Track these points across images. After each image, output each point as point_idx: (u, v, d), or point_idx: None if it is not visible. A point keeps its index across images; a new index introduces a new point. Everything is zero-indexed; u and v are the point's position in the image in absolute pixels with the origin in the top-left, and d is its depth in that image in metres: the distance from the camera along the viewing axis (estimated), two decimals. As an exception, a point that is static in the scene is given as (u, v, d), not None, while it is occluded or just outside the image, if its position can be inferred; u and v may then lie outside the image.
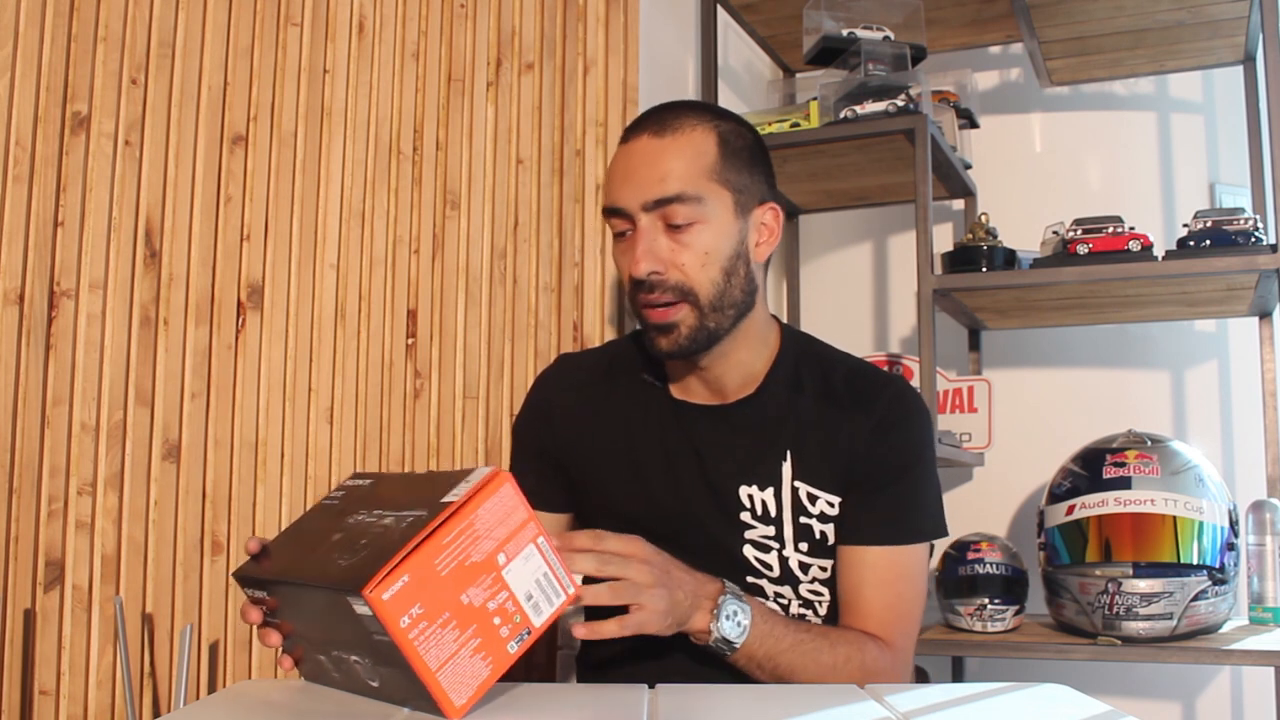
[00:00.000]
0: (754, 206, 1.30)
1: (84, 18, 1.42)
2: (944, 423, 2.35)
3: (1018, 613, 2.01)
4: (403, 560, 0.85)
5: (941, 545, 2.13)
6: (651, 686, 1.08)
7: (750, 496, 1.30)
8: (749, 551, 1.30)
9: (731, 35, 2.51)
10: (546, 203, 1.89)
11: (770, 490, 1.30)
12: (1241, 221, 1.96)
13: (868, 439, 1.30)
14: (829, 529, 1.30)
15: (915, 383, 2.00)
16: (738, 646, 1.14)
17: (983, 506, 2.54)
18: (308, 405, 1.64)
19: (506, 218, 1.86)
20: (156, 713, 1.44)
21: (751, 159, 1.30)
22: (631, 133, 1.28)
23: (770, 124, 2.16)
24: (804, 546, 1.30)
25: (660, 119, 1.27)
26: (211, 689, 1.51)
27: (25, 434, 1.34)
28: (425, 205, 1.79)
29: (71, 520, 1.38)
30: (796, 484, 1.30)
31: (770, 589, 1.30)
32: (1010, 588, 2.01)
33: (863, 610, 1.28)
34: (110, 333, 1.43)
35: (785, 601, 1.31)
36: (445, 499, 0.90)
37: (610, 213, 1.28)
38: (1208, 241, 1.96)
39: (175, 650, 1.46)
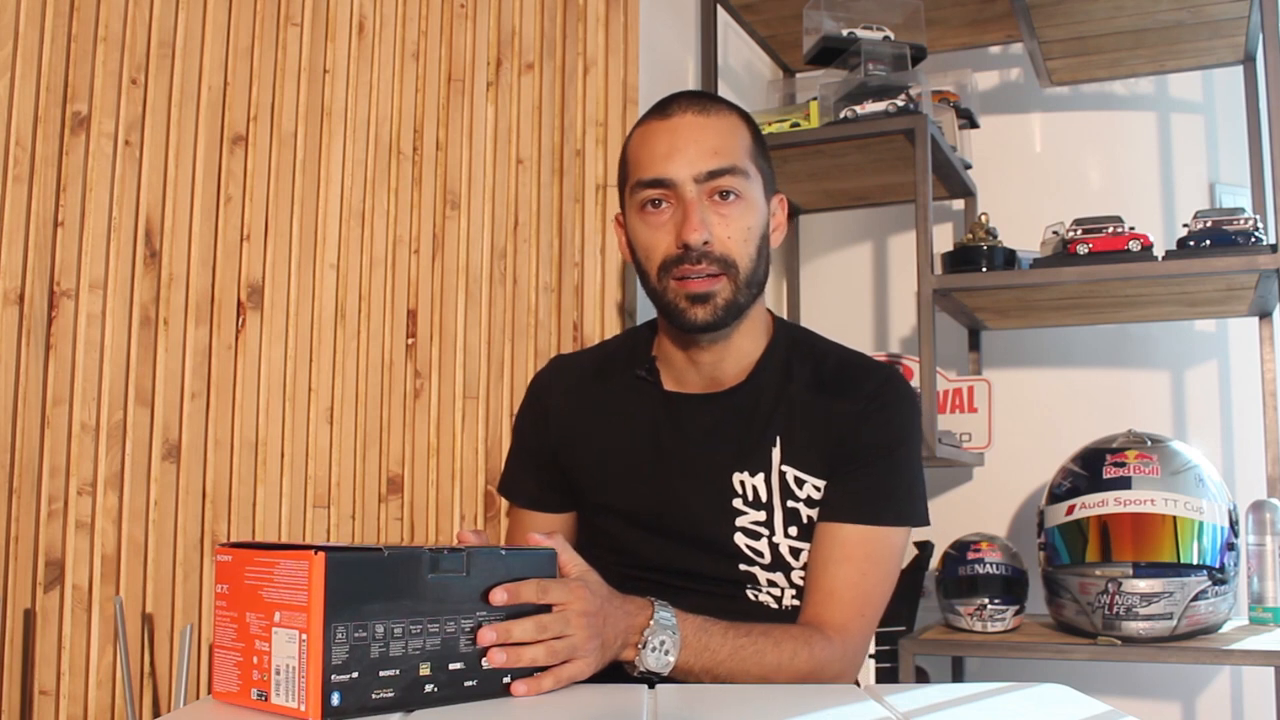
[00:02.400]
0: (771, 194, 1.35)
1: (84, 18, 1.42)
2: (944, 423, 2.35)
3: (1018, 613, 2.01)
4: (240, 548, 0.95)
5: (941, 545, 2.13)
6: (651, 686, 1.08)
7: (742, 483, 1.31)
8: (740, 539, 1.30)
9: (731, 35, 2.51)
10: (546, 203, 1.89)
11: (761, 476, 1.31)
12: (1241, 221, 1.96)
13: (853, 422, 1.31)
14: (816, 514, 1.30)
15: (915, 383, 2.00)
16: (664, 675, 1.14)
17: (983, 506, 2.54)
18: (308, 405, 1.64)
19: (506, 218, 1.86)
20: (156, 713, 1.44)
21: (767, 150, 1.36)
22: (670, 110, 1.30)
23: (770, 124, 2.15)
24: (793, 531, 1.30)
25: (698, 99, 1.31)
26: (211, 689, 1.51)
27: (25, 434, 1.34)
28: (425, 205, 1.79)
29: (71, 520, 1.38)
30: (784, 468, 1.30)
31: (763, 576, 1.30)
32: (1010, 588, 2.01)
33: (825, 587, 1.27)
34: (110, 333, 1.43)
35: (779, 590, 1.31)
36: (320, 544, 0.94)
37: (650, 185, 1.28)
38: (1208, 241, 1.96)
39: (175, 650, 1.46)
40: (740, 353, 1.35)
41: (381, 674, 0.91)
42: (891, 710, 0.94)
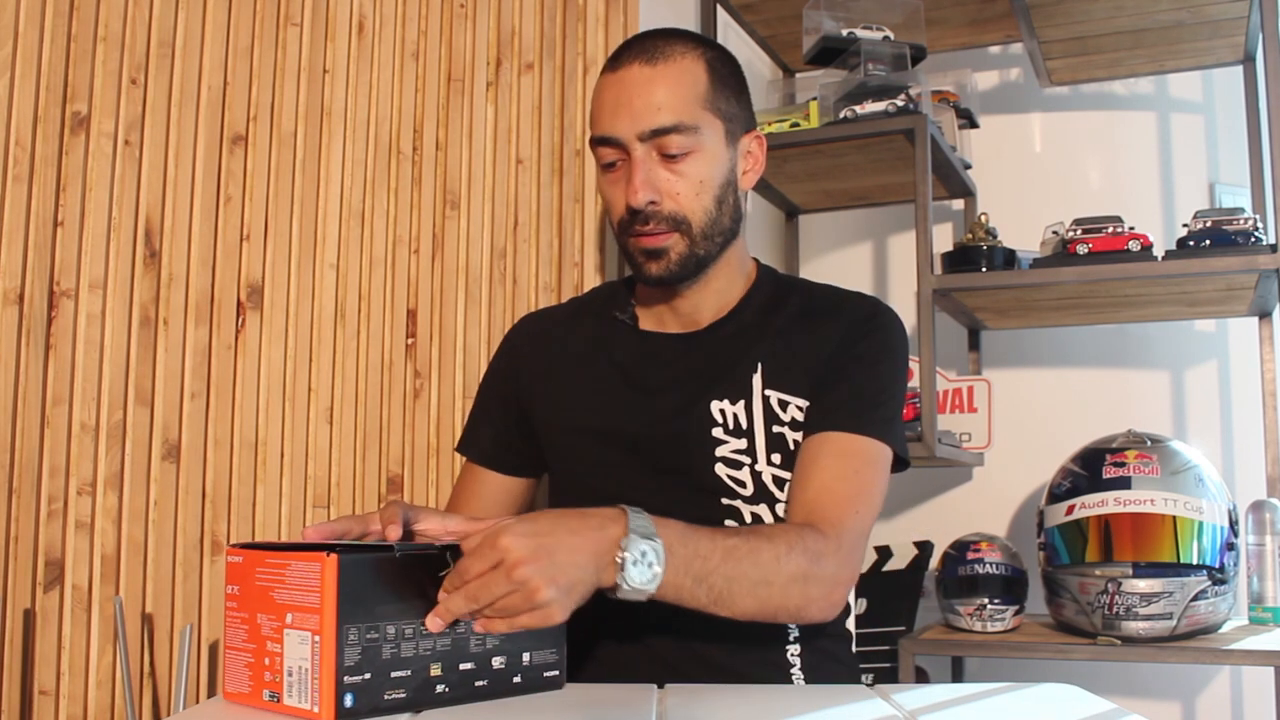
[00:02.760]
0: (741, 135, 1.31)
1: (84, 18, 1.42)
2: (944, 423, 2.35)
3: (1017, 613, 2.01)
4: (251, 548, 0.95)
5: (941, 545, 2.13)
6: (661, 686, 1.08)
7: (721, 411, 1.29)
8: (721, 470, 1.27)
9: (731, 35, 2.51)
10: (546, 203, 1.88)
11: (741, 403, 1.28)
12: (1241, 221, 1.96)
13: (841, 338, 1.30)
14: (801, 437, 1.27)
15: (915, 383, 1.99)
16: (649, 594, 1.00)
17: (983, 506, 2.54)
18: (308, 405, 1.64)
19: (506, 218, 1.86)
20: (156, 713, 1.44)
21: (738, 87, 1.31)
22: (620, 61, 1.27)
23: (770, 124, 2.15)
24: (777, 459, 1.27)
25: (650, 46, 1.26)
26: (211, 689, 1.51)
27: (25, 434, 1.34)
28: (425, 205, 1.79)
29: (71, 520, 1.37)
30: (768, 392, 1.28)
31: (747, 510, 1.27)
32: (1010, 588, 2.01)
33: (813, 485, 1.21)
34: (110, 333, 1.43)
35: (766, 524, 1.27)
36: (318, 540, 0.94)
37: (601, 142, 1.27)
38: (1207, 241, 1.96)
39: (175, 650, 1.46)
40: (719, 295, 1.34)
41: (393, 675, 0.91)
42: (899, 709, 0.94)
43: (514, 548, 0.92)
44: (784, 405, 1.28)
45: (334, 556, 0.88)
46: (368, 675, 0.90)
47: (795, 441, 1.27)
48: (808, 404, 1.28)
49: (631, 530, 0.99)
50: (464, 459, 1.47)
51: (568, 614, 0.95)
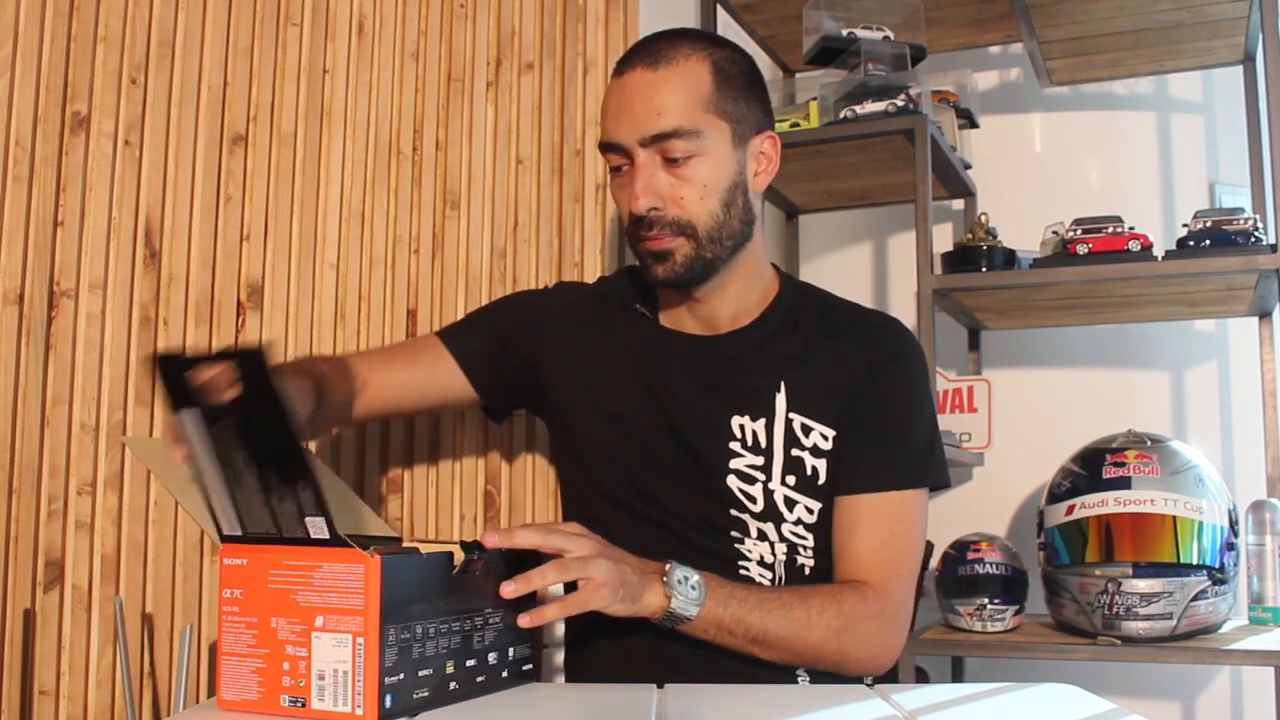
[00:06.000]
0: (751, 136, 1.30)
1: (84, 18, 1.42)
2: (944, 423, 2.35)
3: (1017, 613, 2.01)
4: (257, 547, 0.92)
5: (941, 545, 2.13)
6: (660, 686, 1.08)
7: (741, 426, 1.29)
8: (733, 482, 1.28)
9: (731, 35, 2.51)
10: (546, 203, 1.88)
11: (762, 421, 1.29)
12: (1241, 221, 1.96)
13: (867, 371, 1.30)
14: (821, 465, 1.28)
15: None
16: (694, 614, 1.12)
17: (983, 506, 2.54)
18: (308, 405, 1.64)
19: (506, 218, 1.86)
20: (156, 713, 1.44)
21: (747, 87, 1.29)
22: (625, 65, 1.27)
23: (770, 124, 2.15)
24: (791, 480, 1.27)
25: (654, 50, 1.26)
26: (211, 690, 1.51)
27: (25, 434, 1.34)
28: (425, 205, 1.79)
29: (71, 520, 1.37)
30: (791, 415, 1.29)
31: (754, 525, 1.28)
32: (1010, 588, 2.01)
33: (853, 552, 1.26)
34: (110, 333, 1.43)
35: (768, 544, 1.28)
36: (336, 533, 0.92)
37: (607, 148, 1.28)
38: (1207, 241, 1.97)
39: (175, 650, 1.46)
40: (735, 298, 1.34)
41: (420, 674, 0.92)
42: (898, 709, 0.94)
43: (596, 540, 1.08)
44: (807, 430, 1.28)
45: (377, 557, 0.88)
46: (402, 675, 0.90)
47: (814, 467, 1.28)
48: (835, 434, 1.28)
49: (669, 565, 1.12)
50: (436, 337, 1.45)
51: (609, 600, 1.05)
